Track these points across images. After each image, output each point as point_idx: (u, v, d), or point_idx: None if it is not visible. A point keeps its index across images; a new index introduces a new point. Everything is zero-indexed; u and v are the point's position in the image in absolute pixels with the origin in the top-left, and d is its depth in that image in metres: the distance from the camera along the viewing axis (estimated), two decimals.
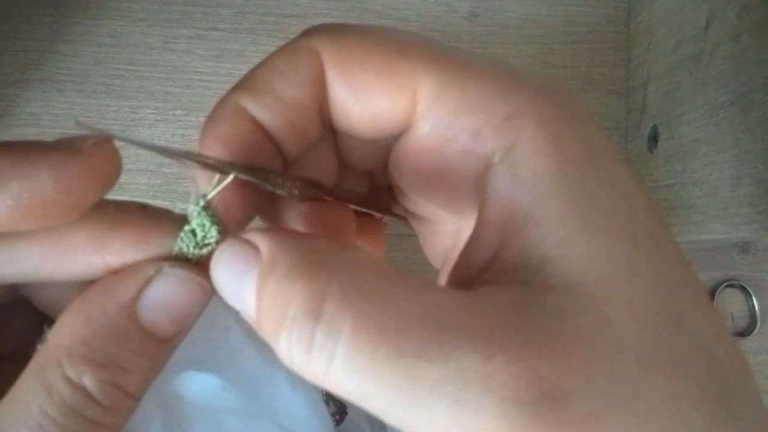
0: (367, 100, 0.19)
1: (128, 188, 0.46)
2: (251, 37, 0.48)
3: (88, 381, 0.18)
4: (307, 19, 0.49)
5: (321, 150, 0.23)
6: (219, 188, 0.19)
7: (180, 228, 0.19)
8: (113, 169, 0.18)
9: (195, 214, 0.19)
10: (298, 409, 0.34)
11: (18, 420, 0.17)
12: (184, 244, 0.19)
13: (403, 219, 0.28)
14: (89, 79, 0.47)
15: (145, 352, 0.19)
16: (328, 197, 0.23)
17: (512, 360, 0.15)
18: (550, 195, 0.17)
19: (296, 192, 0.21)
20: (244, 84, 0.20)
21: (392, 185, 0.24)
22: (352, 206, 0.25)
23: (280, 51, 0.20)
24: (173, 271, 0.19)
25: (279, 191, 0.20)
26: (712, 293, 0.49)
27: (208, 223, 0.19)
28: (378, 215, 0.28)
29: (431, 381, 0.15)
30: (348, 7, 0.49)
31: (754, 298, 0.49)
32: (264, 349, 0.33)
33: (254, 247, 0.18)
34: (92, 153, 0.17)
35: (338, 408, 0.40)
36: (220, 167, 0.19)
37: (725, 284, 0.49)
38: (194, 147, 0.20)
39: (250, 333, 0.33)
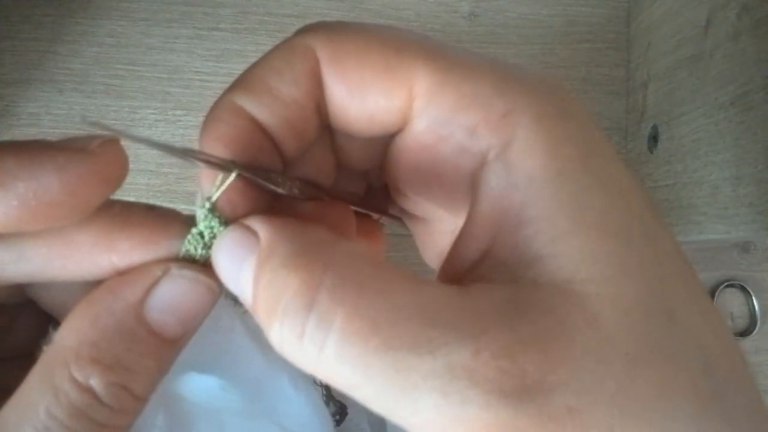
0: (363, 97, 0.19)
1: (128, 188, 0.45)
2: (251, 37, 0.48)
3: (96, 383, 0.18)
4: (307, 19, 0.49)
5: (318, 150, 0.23)
6: (223, 188, 0.19)
7: (187, 229, 0.19)
8: (120, 169, 0.18)
9: (202, 216, 0.19)
10: (300, 410, 0.34)
11: (24, 421, 0.17)
12: (191, 245, 0.19)
13: (399, 219, 0.28)
14: (89, 79, 0.47)
15: (152, 354, 0.19)
16: (326, 197, 0.23)
17: (498, 356, 0.15)
18: (543, 193, 0.17)
19: (297, 191, 0.21)
20: (240, 84, 0.20)
21: (388, 185, 0.24)
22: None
23: (275, 50, 0.20)
24: (181, 272, 0.19)
25: (281, 190, 0.20)
26: (712, 293, 0.49)
27: (215, 225, 0.19)
28: (375, 215, 0.28)
29: (419, 374, 0.15)
30: (348, 6, 0.49)
31: (754, 298, 0.49)
32: (268, 350, 0.33)
33: (254, 234, 0.18)
34: (99, 153, 0.17)
35: (338, 408, 0.40)
36: (223, 165, 0.19)
37: (725, 284, 0.49)
38: (195, 147, 0.20)
39: (254, 334, 0.33)
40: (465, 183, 0.20)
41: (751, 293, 0.49)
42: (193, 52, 0.48)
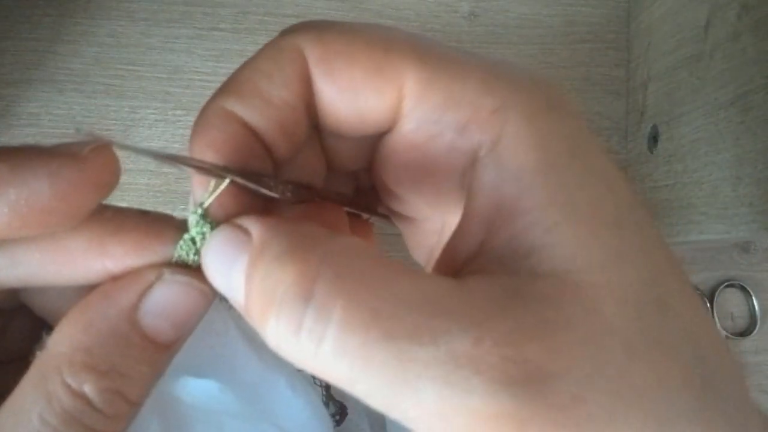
0: (353, 97, 0.19)
1: (128, 188, 0.45)
2: (251, 37, 0.48)
3: (89, 389, 0.18)
4: (307, 19, 0.49)
5: (309, 151, 0.23)
6: (215, 194, 0.19)
7: (180, 234, 0.19)
8: (111, 175, 0.18)
9: (194, 222, 0.19)
10: (299, 412, 0.34)
11: (17, 427, 0.17)
12: (183, 251, 0.19)
13: (388, 218, 0.28)
14: (89, 79, 0.47)
15: (146, 359, 0.19)
16: (318, 199, 0.23)
17: (500, 343, 0.15)
18: (535, 185, 0.17)
19: (289, 194, 0.21)
20: (228, 87, 0.20)
21: (377, 185, 0.24)
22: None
23: (263, 52, 0.20)
24: (174, 277, 0.19)
25: (273, 194, 0.20)
26: (712, 293, 0.49)
27: (207, 230, 0.19)
28: (364, 215, 0.28)
29: (422, 363, 0.15)
30: (348, 7, 0.49)
31: (754, 298, 0.49)
32: (264, 353, 0.33)
33: (246, 233, 0.18)
34: (90, 159, 0.17)
35: (338, 408, 0.40)
36: (215, 171, 0.19)
37: (725, 284, 0.49)
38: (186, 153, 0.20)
39: (249, 338, 0.33)
40: (455, 181, 0.20)
41: (751, 293, 0.49)
42: (193, 52, 0.48)
